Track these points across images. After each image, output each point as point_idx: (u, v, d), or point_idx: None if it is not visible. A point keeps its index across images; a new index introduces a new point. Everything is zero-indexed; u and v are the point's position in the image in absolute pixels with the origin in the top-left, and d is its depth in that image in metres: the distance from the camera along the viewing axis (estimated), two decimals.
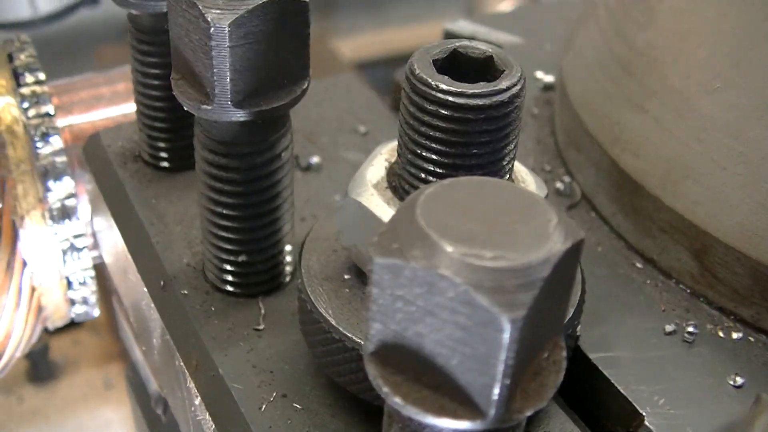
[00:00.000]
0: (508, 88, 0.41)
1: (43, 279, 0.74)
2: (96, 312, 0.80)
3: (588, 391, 0.51)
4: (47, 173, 0.72)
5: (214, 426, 0.50)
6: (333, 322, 0.45)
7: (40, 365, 1.25)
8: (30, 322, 0.76)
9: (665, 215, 0.55)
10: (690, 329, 0.52)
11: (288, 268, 0.56)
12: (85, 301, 0.78)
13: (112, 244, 0.65)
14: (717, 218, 0.53)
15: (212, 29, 0.45)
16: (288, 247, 0.56)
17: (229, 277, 0.55)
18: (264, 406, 0.49)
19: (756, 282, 0.52)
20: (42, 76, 0.75)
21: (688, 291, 0.55)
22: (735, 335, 0.53)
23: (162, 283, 0.57)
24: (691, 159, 0.54)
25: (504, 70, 0.42)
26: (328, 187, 0.63)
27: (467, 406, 0.32)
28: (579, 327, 0.51)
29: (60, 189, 0.72)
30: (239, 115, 0.48)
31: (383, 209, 0.44)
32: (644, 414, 0.48)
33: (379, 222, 0.44)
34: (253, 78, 0.47)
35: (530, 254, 0.30)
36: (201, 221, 0.54)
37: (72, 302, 0.78)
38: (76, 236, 0.74)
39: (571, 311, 0.46)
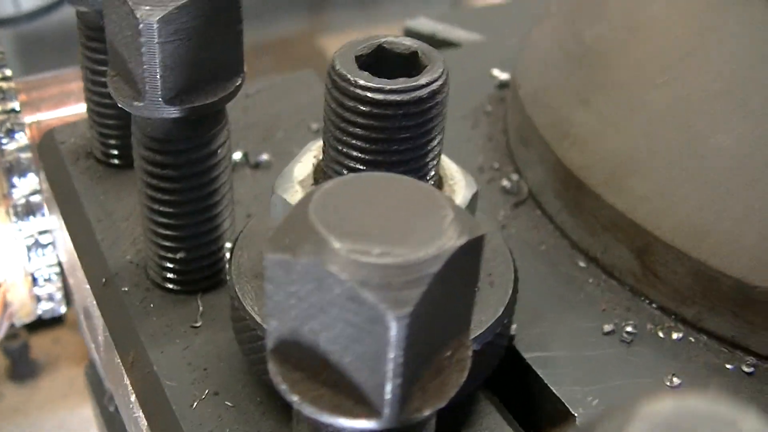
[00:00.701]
0: (428, 84, 0.40)
1: (8, 275, 0.74)
2: (62, 308, 0.80)
3: (522, 391, 0.50)
4: (12, 169, 0.71)
5: (147, 423, 0.50)
6: (258, 320, 0.45)
7: (20, 364, 1.25)
8: None
9: (607, 213, 0.54)
10: (628, 329, 0.52)
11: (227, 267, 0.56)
12: (50, 298, 0.78)
13: (62, 242, 0.65)
14: (658, 216, 0.52)
15: (141, 25, 0.45)
16: (228, 245, 0.55)
17: (169, 275, 0.55)
18: (196, 404, 0.49)
19: (696, 281, 0.52)
20: (9, 72, 0.74)
21: (630, 290, 0.54)
22: (675, 335, 0.52)
23: (104, 280, 0.57)
24: (638, 154, 0.54)
25: (427, 65, 0.42)
26: None
27: (363, 405, 0.32)
28: (514, 327, 0.51)
29: (24, 185, 0.72)
30: (171, 112, 0.47)
31: None
32: (576, 415, 0.48)
33: None
34: (184, 74, 0.47)
35: (419, 250, 0.30)
36: (141, 218, 0.54)
37: (38, 299, 0.78)
38: (40, 233, 0.73)
39: (500, 310, 0.46)
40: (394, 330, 0.29)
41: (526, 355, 0.50)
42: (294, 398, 0.32)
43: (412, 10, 1.79)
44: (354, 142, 0.41)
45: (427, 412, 0.32)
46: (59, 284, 0.77)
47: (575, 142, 0.57)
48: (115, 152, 0.65)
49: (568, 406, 0.48)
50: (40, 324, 1.36)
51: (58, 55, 1.62)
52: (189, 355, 0.51)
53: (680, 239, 0.51)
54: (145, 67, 0.46)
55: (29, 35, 1.66)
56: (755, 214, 0.50)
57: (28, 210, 0.72)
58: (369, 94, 0.40)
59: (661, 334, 0.52)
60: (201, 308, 0.54)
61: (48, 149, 0.68)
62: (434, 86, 0.41)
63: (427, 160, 0.43)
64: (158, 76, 0.46)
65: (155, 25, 0.45)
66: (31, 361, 1.27)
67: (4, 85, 0.74)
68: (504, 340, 0.48)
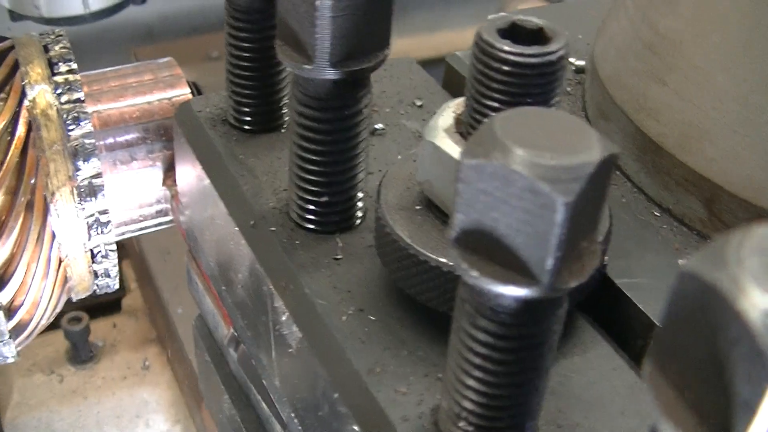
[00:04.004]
0: (557, 51, 0.51)
1: (69, 251, 0.80)
2: (116, 284, 0.86)
3: (612, 311, 0.61)
4: (77, 154, 0.78)
5: (301, 335, 0.61)
6: (408, 240, 0.56)
7: (80, 347, 1.32)
8: (56, 291, 0.82)
9: (680, 170, 0.65)
10: None
11: (359, 213, 0.67)
12: (106, 274, 0.85)
13: (201, 195, 0.76)
14: (727, 172, 0.63)
15: (318, 3, 0.56)
16: (360, 194, 0.66)
17: (312, 216, 0.65)
18: (345, 318, 0.60)
19: None
20: (74, 65, 0.81)
21: (698, 234, 0.65)
22: None
23: (252, 222, 0.68)
24: (707, 124, 0.64)
25: (552, 38, 0.52)
26: (391, 149, 0.74)
27: (527, 277, 0.42)
28: (607, 258, 0.61)
29: (88, 168, 0.78)
30: (334, 74, 0.58)
31: (453, 148, 0.54)
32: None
33: (450, 159, 0.54)
34: (347, 43, 0.58)
35: (578, 156, 0.41)
36: (290, 167, 0.65)
37: (95, 274, 0.84)
38: (101, 212, 0.80)
39: (601, 237, 0.57)
40: (561, 213, 0.40)
41: (616, 281, 0.61)
42: (473, 273, 0.43)
43: (432, 24, 1.88)
44: (496, 95, 0.52)
45: (573, 284, 0.43)
46: (115, 261, 0.84)
47: (652, 114, 0.68)
48: (249, 118, 0.76)
49: (653, 318, 0.58)
50: (99, 309, 1.45)
51: (111, 56, 1.72)
52: (334, 281, 0.62)
53: (746, 191, 0.62)
54: (317, 36, 0.57)
55: (93, 33, 1.74)
56: None
57: (91, 191, 0.79)
58: (512, 58, 0.51)
59: None
60: (340, 244, 0.65)
61: (186, 117, 0.79)
62: (561, 52, 0.52)
63: None
64: (328, 44, 0.57)
65: (330, 3, 0.56)
66: (90, 345, 1.33)
67: (70, 77, 0.80)
68: (601, 266, 0.59)
